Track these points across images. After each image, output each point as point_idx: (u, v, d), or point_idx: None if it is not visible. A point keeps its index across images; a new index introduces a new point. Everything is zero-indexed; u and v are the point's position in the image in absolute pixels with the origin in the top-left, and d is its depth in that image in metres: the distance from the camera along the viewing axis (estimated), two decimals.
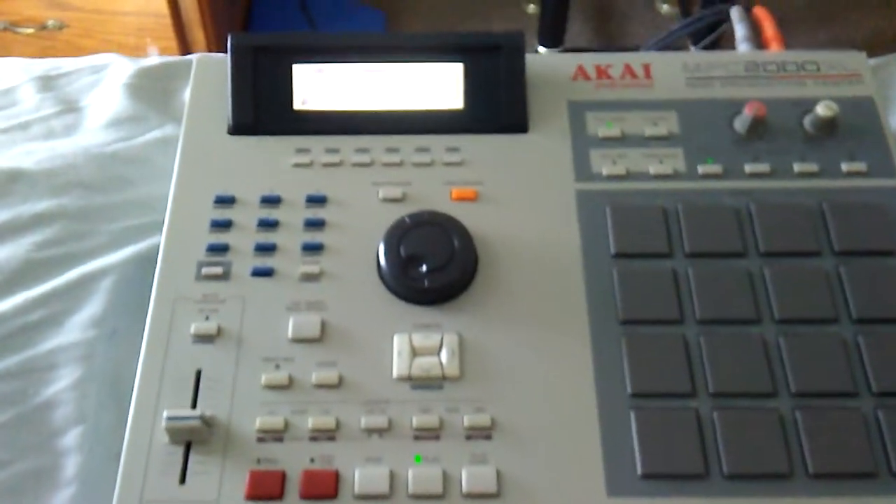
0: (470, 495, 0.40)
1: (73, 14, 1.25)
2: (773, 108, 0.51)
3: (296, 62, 0.52)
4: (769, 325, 0.45)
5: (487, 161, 0.51)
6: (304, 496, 0.40)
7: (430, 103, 0.52)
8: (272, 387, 0.43)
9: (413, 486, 0.41)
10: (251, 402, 0.43)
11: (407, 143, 0.51)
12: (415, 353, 0.44)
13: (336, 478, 0.41)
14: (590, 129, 0.52)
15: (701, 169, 0.50)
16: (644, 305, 0.45)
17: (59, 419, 0.48)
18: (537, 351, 0.44)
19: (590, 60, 0.54)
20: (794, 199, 0.49)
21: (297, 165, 0.51)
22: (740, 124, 0.51)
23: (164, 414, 0.41)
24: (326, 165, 0.51)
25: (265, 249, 0.47)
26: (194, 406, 0.43)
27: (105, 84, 0.64)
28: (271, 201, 0.49)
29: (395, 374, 0.44)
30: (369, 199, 0.49)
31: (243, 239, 0.48)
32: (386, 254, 0.46)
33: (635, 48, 0.74)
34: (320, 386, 0.43)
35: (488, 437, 0.42)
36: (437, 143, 0.51)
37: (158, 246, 0.48)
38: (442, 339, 0.44)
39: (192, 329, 0.45)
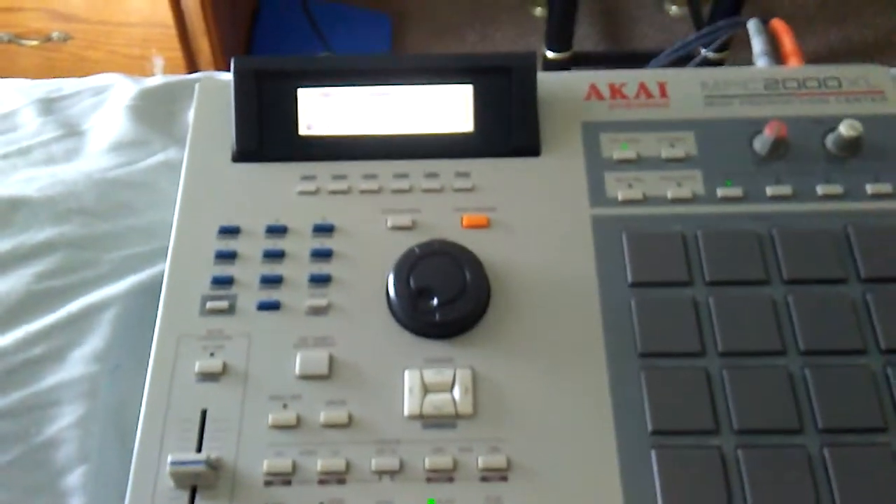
0: None
1: (77, 26, 1.24)
2: (794, 127, 0.50)
3: (300, 86, 0.51)
4: (794, 356, 0.43)
5: (499, 186, 0.49)
6: None
7: (439, 126, 0.51)
8: (280, 427, 0.42)
9: None
10: (258, 443, 0.42)
11: (416, 168, 0.50)
12: (426, 389, 0.43)
13: None
14: (604, 151, 0.50)
15: (720, 192, 0.48)
16: (664, 337, 0.44)
17: (63, 458, 0.47)
18: (553, 386, 0.43)
19: (603, 79, 0.53)
20: (817, 222, 0.47)
21: (303, 193, 0.49)
22: (760, 145, 0.49)
23: (168, 458, 0.40)
24: (333, 193, 0.49)
25: (271, 282, 0.46)
26: (199, 448, 0.41)
27: (107, 106, 0.63)
28: (277, 231, 0.48)
29: (406, 412, 0.42)
30: (378, 227, 0.48)
31: (248, 270, 0.46)
32: (395, 286, 0.45)
33: (647, 54, 0.72)
34: (329, 426, 0.42)
35: (504, 479, 0.41)
36: (447, 168, 0.50)
37: (162, 275, 0.47)
38: (454, 374, 0.43)
39: (197, 367, 0.43)
